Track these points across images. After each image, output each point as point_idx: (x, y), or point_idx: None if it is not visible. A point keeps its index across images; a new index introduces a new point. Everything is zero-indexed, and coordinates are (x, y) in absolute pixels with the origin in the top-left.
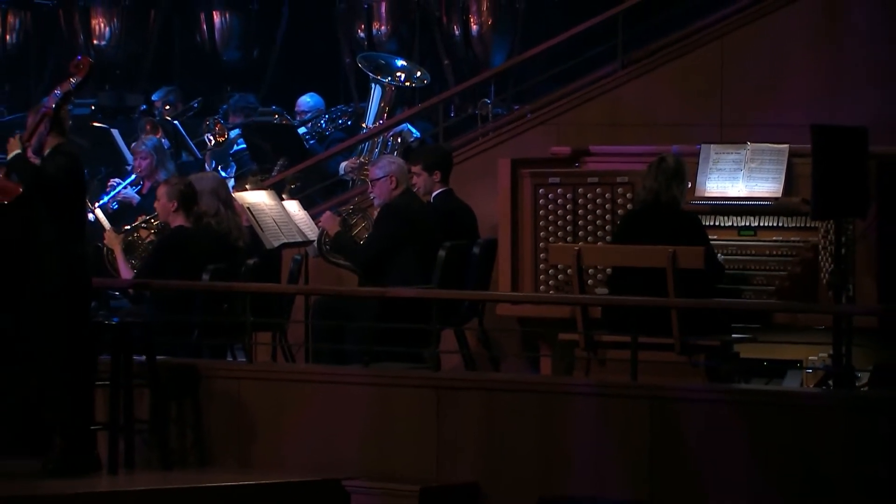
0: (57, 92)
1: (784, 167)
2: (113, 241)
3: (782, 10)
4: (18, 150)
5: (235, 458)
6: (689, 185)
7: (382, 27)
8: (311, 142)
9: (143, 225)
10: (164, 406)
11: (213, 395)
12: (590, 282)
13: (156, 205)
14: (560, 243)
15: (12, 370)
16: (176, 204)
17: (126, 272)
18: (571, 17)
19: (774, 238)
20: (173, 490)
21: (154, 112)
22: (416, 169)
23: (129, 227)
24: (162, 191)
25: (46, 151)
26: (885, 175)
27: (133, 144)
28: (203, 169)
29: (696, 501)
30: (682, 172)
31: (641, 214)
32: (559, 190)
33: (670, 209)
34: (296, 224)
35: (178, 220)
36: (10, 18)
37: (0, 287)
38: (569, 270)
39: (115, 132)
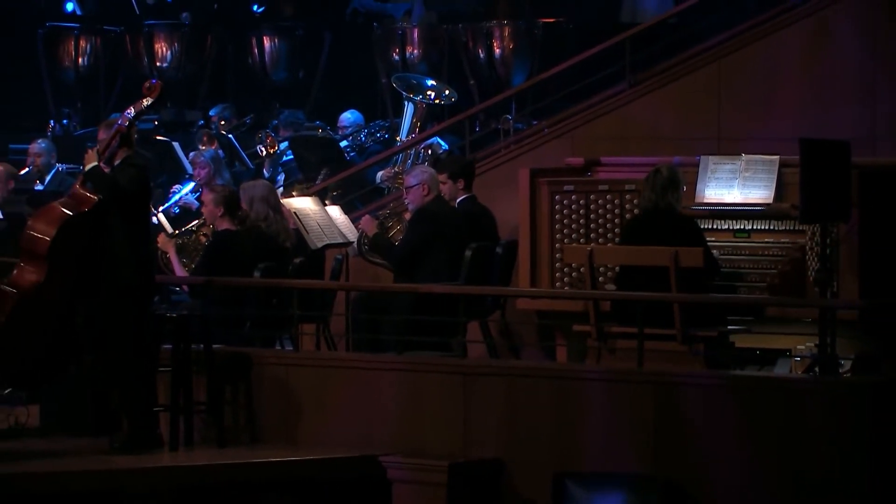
0: (130, 110)
1: (775, 176)
2: (166, 244)
3: (774, 34)
4: (95, 163)
5: (283, 437)
6: (690, 193)
7: (415, 51)
8: (352, 154)
9: (193, 229)
10: (219, 390)
11: (263, 380)
12: (601, 279)
13: (203, 210)
14: (574, 244)
15: (85, 359)
16: (222, 209)
17: (179, 270)
18: (584, 41)
19: (766, 240)
20: (228, 465)
21: (211, 126)
22: (441, 177)
23: (178, 231)
24: (208, 198)
25: (117, 162)
26: (865, 184)
27: (192, 155)
28: (256, 177)
29: (696, 475)
30: (675, 181)
31: (644, 220)
32: (573, 196)
33: (670, 214)
34: (337, 227)
35: (224, 224)
36: (83, 43)
37: (78, 286)
38: (582, 269)
39: (175, 145)
